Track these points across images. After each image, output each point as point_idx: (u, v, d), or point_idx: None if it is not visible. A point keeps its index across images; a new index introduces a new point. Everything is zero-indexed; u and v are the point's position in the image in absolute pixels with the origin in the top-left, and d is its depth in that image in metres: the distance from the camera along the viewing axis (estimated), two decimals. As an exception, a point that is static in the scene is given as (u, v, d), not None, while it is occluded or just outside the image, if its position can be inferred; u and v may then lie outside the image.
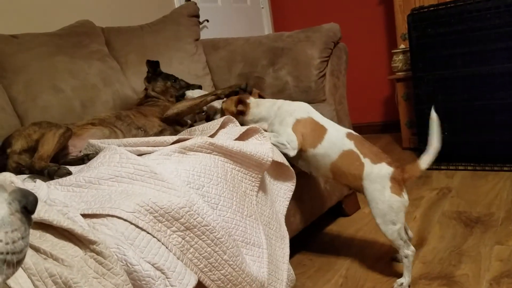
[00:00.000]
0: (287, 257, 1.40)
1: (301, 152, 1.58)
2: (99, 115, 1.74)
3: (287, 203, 1.51)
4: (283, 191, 1.51)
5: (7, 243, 0.54)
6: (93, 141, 1.46)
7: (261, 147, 1.34)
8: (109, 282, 0.84)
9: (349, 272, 1.67)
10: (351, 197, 2.23)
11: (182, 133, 1.55)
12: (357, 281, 1.60)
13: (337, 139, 1.56)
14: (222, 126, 1.48)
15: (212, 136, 1.39)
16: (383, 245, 1.83)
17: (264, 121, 1.65)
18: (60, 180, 1.11)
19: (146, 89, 2.05)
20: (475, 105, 2.54)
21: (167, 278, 0.96)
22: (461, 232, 1.84)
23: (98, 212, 0.97)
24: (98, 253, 0.86)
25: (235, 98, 1.68)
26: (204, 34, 3.02)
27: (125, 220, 0.96)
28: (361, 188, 1.54)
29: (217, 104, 1.80)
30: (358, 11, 3.85)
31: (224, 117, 1.48)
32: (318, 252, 1.87)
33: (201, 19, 2.69)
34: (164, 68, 2.22)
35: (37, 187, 1.03)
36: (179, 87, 2.07)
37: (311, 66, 2.03)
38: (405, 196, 1.51)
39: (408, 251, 1.52)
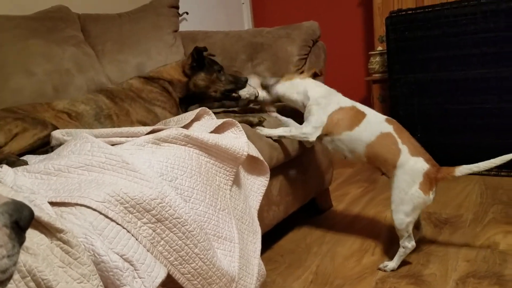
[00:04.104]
0: (259, 252, 1.40)
1: (334, 135, 1.65)
2: (77, 104, 1.60)
3: (261, 198, 1.50)
4: (256, 186, 1.51)
5: None
6: (57, 134, 1.35)
7: (237, 141, 1.33)
8: (75, 271, 0.82)
9: (319, 269, 1.68)
10: (324, 195, 2.24)
11: (157, 124, 1.52)
12: (327, 278, 1.61)
13: (375, 122, 1.63)
14: (197, 118, 1.46)
15: (186, 127, 1.37)
16: (354, 243, 1.85)
17: (305, 102, 1.73)
18: (28, 166, 1.08)
19: (187, 77, 1.82)
20: (449, 109, 2.59)
21: (135, 270, 0.94)
22: (430, 233, 1.88)
23: (66, 201, 0.94)
24: (65, 242, 0.83)
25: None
26: (183, 27, 2.98)
27: (94, 209, 0.94)
28: (391, 174, 1.57)
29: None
30: (338, 11, 3.87)
31: (199, 109, 1.47)
32: (289, 248, 1.88)
33: (180, 11, 2.65)
34: (142, 57, 2.18)
35: (3, 172, 0.99)
36: (226, 80, 1.83)
37: (289, 63, 2.03)
38: (431, 196, 1.53)
39: (408, 244, 1.57)
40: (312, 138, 1.67)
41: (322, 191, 2.19)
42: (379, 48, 3.19)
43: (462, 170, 1.52)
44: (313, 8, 3.96)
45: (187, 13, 3.26)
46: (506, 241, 1.74)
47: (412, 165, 1.52)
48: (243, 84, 1.83)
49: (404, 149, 1.54)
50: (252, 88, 1.84)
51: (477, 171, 1.52)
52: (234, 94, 1.83)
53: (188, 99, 1.84)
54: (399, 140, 1.55)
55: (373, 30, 3.34)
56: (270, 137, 1.68)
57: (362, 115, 1.64)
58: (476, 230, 1.86)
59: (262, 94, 1.84)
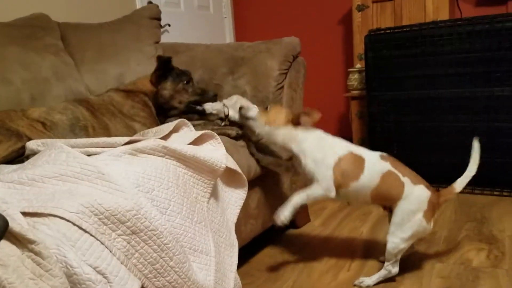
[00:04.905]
0: (235, 266, 1.39)
1: (342, 188, 1.57)
2: (53, 113, 1.57)
3: (238, 211, 1.50)
4: (234, 199, 1.50)
5: None
6: (32, 145, 1.32)
7: (215, 153, 1.33)
8: (47, 284, 0.80)
9: (296, 284, 1.67)
10: (302, 210, 2.24)
11: (135, 135, 1.51)
12: (303, 293, 1.60)
13: (374, 164, 1.57)
14: (176, 129, 1.45)
15: (164, 138, 1.36)
16: (330, 258, 1.86)
17: (294, 145, 1.58)
18: (1, 176, 1.06)
19: (155, 87, 1.77)
20: (425, 126, 2.64)
21: (108, 282, 0.92)
22: (405, 248, 1.89)
23: (39, 211, 0.92)
24: (37, 253, 0.82)
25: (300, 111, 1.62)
26: (165, 38, 2.98)
27: (68, 220, 0.92)
28: (395, 206, 1.55)
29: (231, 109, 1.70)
30: (318, 28, 3.93)
31: (178, 120, 1.46)
32: (266, 263, 1.87)
33: (162, 23, 2.66)
34: (121, 68, 2.17)
35: (-25, 181, 0.97)
36: (192, 91, 1.78)
37: (270, 77, 2.04)
38: (431, 224, 1.54)
39: (392, 269, 1.58)
40: (333, 193, 1.57)
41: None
42: (358, 65, 3.24)
43: (460, 183, 1.56)
44: (294, 24, 4.01)
45: (169, 25, 3.27)
46: (479, 258, 1.76)
47: (417, 194, 1.53)
48: (210, 97, 1.78)
49: (406, 181, 1.55)
50: (221, 105, 1.74)
51: (472, 175, 1.55)
52: (198, 107, 1.77)
53: (159, 111, 1.82)
54: (399, 174, 1.55)
55: (353, 48, 3.40)
56: (293, 207, 1.58)
57: (361, 160, 1.58)
58: (450, 247, 1.89)
59: (233, 114, 1.72)
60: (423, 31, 2.58)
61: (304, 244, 2.03)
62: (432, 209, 1.54)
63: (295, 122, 1.59)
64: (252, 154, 1.73)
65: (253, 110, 1.63)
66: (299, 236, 2.14)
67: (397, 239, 1.54)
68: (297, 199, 1.58)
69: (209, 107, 1.75)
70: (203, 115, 1.78)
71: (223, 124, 1.77)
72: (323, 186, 1.55)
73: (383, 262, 1.62)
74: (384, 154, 1.62)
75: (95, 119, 1.62)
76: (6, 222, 0.51)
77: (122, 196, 1.01)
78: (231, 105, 1.74)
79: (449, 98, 2.54)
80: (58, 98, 1.87)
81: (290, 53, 2.09)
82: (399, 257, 1.57)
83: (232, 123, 1.77)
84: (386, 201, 1.60)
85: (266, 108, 1.64)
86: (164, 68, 1.79)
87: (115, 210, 0.98)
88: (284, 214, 1.55)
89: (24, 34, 1.92)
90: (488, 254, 1.80)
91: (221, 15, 3.96)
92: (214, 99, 1.79)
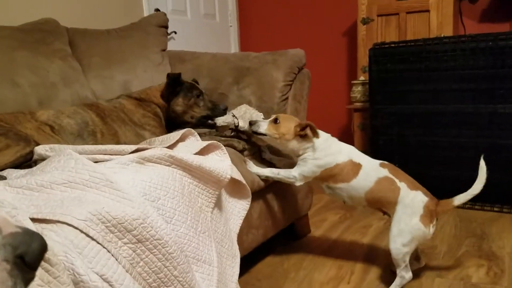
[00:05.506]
0: (237, 276, 1.40)
1: (330, 184, 1.67)
2: (62, 116, 1.58)
3: (241, 221, 1.51)
4: (237, 209, 1.52)
5: None
6: (40, 150, 1.34)
7: (221, 164, 1.34)
8: (54, 291, 0.81)
9: (295, 295, 1.68)
10: (303, 220, 2.25)
11: (141, 143, 1.52)
12: (303, 305, 1.61)
13: (371, 170, 1.64)
14: (182, 139, 1.47)
15: (170, 147, 1.38)
16: (330, 270, 1.86)
17: (307, 153, 1.67)
18: (10, 181, 1.07)
19: (166, 102, 1.81)
20: (428, 141, 2.66)
21: (114, 290, 0.93)
22: (405, 263, 1.90)
23: (48, 217, 0.93)
24: (45, 260, 0.83)
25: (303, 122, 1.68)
26: (171, 46, 3.00)
27: (76, 227, 0.93)
28: (392, 211, 1.60)
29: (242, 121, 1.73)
30: (323, 40, 3.96)
31: (184, 130, 1.48)
32: (267, 273, 1.88)
33: (169, 31, 2.68)
34: (128, 74, 2.19)
35: (-15, 186, 0.98)
36: (204, 105, 1.80)
37: (275, 89, 2.06)
38: (432, 229, 1.56)
39: (405, 274, 1.60)
40: (298, 183, 1.70)
41: (301, 217, 2.20)
42: (362, 77, 3.26)
43: (460, 199, 1.57)
44: (299, 35, 4.04)
45: (175, 32, 3.29)
46: (478, 275, 1.77)
47: (412, 198, 1.57)
48: (221, 112, 1.80)
49: (402, 186, 1.59)
50: (231, 117, 1.77)
51: (475, 193, 1.56)
52: (210, 121, 1.80)
53: (169, 124, 1.85)
54: (396, 180, 1.61)
55: (357, 60, 3.42)
56: (258, 175, 1.70)
57: (358, 166, 1.65)
58: (450, 262, 1.90)
59: (243, 124, 1.74)
60: (427, 46, 2.61)
61: (304, 255, 2.03)
62: (430, 215, 1.56)
63: (303, 134, 1.65)
64: (269, 160, 1.81)
65: (263, 126, 1.66)
66: (299, 247, 2.14)
67: (398, 245, 1.57)
68: (269, 172, 1.70)
69: (220, 121, 1.77)
70: (214, 128, 1.81)
71: (232, 134, 1.80)
72: (298, 173, 1.67)
73: (395, 272, 1.65)
74: (385, 162, 1.69)
75: (105, 125, 1.63)
76: (44, 246, 0.48)
77: (129, 205, 1.02)
78: (240, 116, 1.76)
79: (452, 113, 2.56)
80: (65, 102, 1.89)
81: (296, 65, 2.11)
82: (407, 261, 1.59)
83: (241, 132, 1.80)
84: (382, 204, 1.65)
85: (275, 121, 1.67)
86: (174, 84, 1.82)
87: (122, 218, 0.99)
88: (252, 169, 1.68)
89: (34, 38, 1.95)
90: (487, 270, 1.81)
91: (226, 23, 3.99)
92: (224, 112, 1.81)
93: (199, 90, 1.86)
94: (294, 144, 1.67)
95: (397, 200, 1.58)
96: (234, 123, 1.74)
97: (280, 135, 1.65)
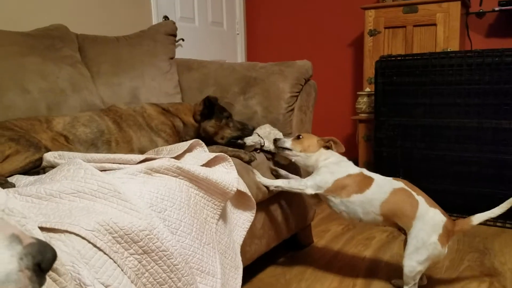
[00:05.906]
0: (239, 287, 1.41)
1: (343, 197, 1.65)
2: (78, 125, 1.59)
3: (245, 233, 1.52)
4: (242, 221, 1.53)
5: None
6: (49, 157, 1.36)
7: (227, 176, 1.36)
8: (61, 301, 0.82)
9: (297, 307, 1.68)
10: (306, 230, 2.26)
11: (148, 152, 1.54)
12: (304, 317, 1.61)
13: (384, 182, 1.65)
14: (190, 149, 1.48)
15: (178, 158, 1.39)
16: (332, 281, 1.87)
17: (318, 168, 1.72)
18: (19, 189, 1.08)
19: (197, 122, 1.85)
20: (431, 154, 2.66)
21: (119, 301, 0.95)
22: (407, 277, 1.90)
23: (56, 227, 0.95)
24: (53, 270, 0.84)
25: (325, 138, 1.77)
26: (178, 52, 3.03)
27: (83, 238, 0.95)
28: (409, 226, 1.58)
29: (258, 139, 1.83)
30: (329, 51, 3.98)
31: (192, 140, 1.49)
32: (269, 283, 1.88)
33: (177, 38, 2.70)
34: (136, 82, 2.21)
35: (-5, 194, 0.99)
36: (234, 126, 1.85)
37: (281, 99, 2.07)
38: (446, 249, 1.57)
39: None
40: (309, 191, 1.69)
41: (304, 227, 2.21)
42: (367, 89, 3.27)
43: (478, 218, 1.58)
44: (305, 45, 4.06)
45: (183, 39, 3.32)
46: (480, 291, 1.77)
47: (432, 216, 1.56)
48: (249, 132, 1.85)
49: (421, 199, 1.58)
50: (258, 137, 1.85)
51: (492, 216, 1.57)
52: (239, 141, 1.84)
53: None
54: (413, 192, 1.60)
55: (363, 71, 3.44)
56: (267, 187, 1.72)
57: (370, 179, 1.66)
58: (452, 277, 1.90)
59: (268, 144, 1.84)
60: (433, 60, 2.62)
61: (307, 266, 2.04)
62: (447, 235, 1.56)
63: (326, 147, 1.75)
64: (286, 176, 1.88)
65: (288, 141, 1.78)
66: (301, 257, 2.15)
67: (413, 262, 1.56)
68: (280, 183, 1.73)
69: (249, 141, 1.83)
70: (242, 148, 1.84)
71: (258, 153, 1.85)
72: (311, 182, 1.69)
73: (397, 286, 1.65)
74: (400, 178, 1.70)
75: (120, 132, 1.65)
76: (54, 255, 0.53)
77: (136, 216, 1.04)
78: (265, 136, 1.86)
79: (456, 127, 2.57)
80: (74, 109, 1.91)
81: (302, 76, 2.13)
82: (417, 279, 1.59)
83: (266, 152, 1.88)
84: (399, 218, 1.60)
85: (298, 137, 1.77)
86: (210, 107, 1.84)
87: (129, 229, 1.00)
88: (262, 181, 1.70)
89: (44, 44, 1.97)
90: (489, 286, 1.81)
91: (234, 32, 4.02)
92: (251, 132, 1.87)
93: (228, 112, 1.90)
94: (316, 157, 1.74)
95: (416, 215, 1.56)
96: (260, 143, 1.83)
97: (305, 148, 1.74)
